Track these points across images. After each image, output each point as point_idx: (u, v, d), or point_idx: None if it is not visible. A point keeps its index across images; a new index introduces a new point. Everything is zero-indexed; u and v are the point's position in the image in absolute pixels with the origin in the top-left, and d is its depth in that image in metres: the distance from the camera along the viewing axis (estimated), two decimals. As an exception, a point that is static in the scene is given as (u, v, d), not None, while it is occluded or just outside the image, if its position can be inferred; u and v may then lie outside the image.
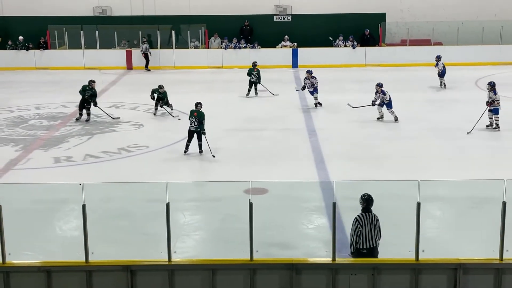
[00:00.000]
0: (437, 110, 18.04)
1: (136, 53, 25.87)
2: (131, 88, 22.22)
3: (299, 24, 26.94)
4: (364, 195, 7.87)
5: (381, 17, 26.81)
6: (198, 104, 13.99)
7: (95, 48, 26.00)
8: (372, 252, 7.80)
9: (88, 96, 16.99)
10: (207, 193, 11.23)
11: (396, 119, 16.39)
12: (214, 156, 13.62)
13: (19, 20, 26.82)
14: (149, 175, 12.70)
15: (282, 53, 25.84)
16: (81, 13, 27.25)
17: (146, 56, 25.33)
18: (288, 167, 13.13)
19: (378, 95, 16.42)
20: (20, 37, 25.93)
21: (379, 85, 16.50)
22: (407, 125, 16.40)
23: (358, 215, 7.81)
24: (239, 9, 27.18)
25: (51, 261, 7.57)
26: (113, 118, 17.12)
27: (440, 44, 26.44)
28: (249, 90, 20.45)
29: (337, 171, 12.72)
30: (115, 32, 26.31)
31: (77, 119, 17.06)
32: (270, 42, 26.04)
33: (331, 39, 26.00)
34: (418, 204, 7.18)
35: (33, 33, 26.04)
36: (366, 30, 26.16)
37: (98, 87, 21.68)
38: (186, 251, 8.95)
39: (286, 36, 26.17)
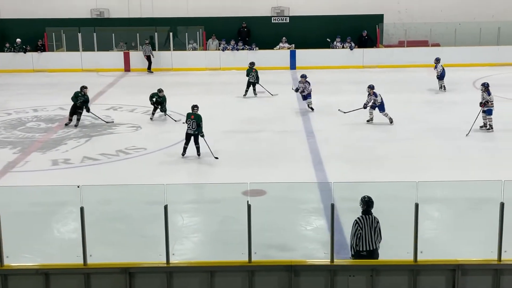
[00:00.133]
0: (435, 111, 18.06)
1: (134, 55, 25.88)
2: (129, 90, 22.21)
3: (296, 25, 26.96)
4: (364, 197, 7.84)
5: (379, 18, 26.84)
6: (195, 107, 13.92)
7: (93, 50, 25.99)
8: (372, 254, 7.78)
9: (81, 102, 16.67)
10: (205, 195, 11.23)
11: (391, 121, 16.29)
12: (217, 158, 13.59)
13: (16, 23, 26.81)
14: (147, 177, 12.69)
15: (280, 54, 25.86)
16: (79, 15, 27.26)
17: (148, 58, 25.29)
18: (286, 168, 13.13)
19: (370, 97, 16.29)
20: (18, 40, 25.92)
21: (371, 87, 16.37)
22: (405, 126, 16.41)
23: (358, 218, 7.78)
24: (237, 10, 27.21)
25: (49, 264, 7.55)
26: (107, 122, 16.93)
27: (437, 45, 26.49)
28: (246, 91, 20.48)
29: (335, 172, 12.72)
30: (113, 34, 26.30)
31: (66, 125, 16.74)
32: (268, 43, 26.06)
33: (329, 40, 26.01)
34: (416, 205, 7.18)
35: (30, 36, 26.03)
36: (363, 32, 26.19)
37: (96, 89, 21.79)
38: (184, 253, 8.95)
39: (284, 38, 26.19)
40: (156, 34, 25.77)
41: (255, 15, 27.24)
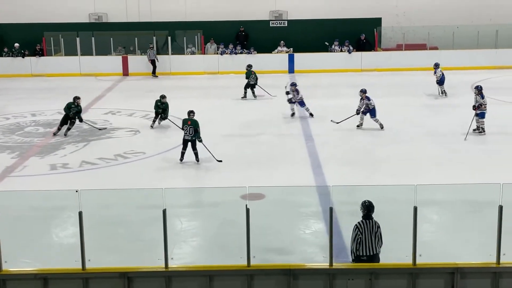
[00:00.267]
0: (433, 115, 18.08)
1: (133, 59, 25.89)
2: (127, 94, 22.22)
3: (295, 29, 26.99)
4: (364, 202, 7.80)
5: (377, 22, 26.88)
6: (191, 113, 13.79)
7: (91, 54, 26.01)
8: (373, 259, 7.74)
9: (73, 114, 16.17)
10: (204, 199, 11.23)
11: (381, 127, 16.05)
12: (220, 161, 13.57)
13: (14, 27, 26.81)
14: (145, 181, 12.68)
15: (278, 58, 25.89)
16: (77, 19, 27.26)
17: (153, 63, 25.27)
18: (285, 172, 13.13)
19: (362, 101, 16.06)
20: (16, 44, 25.93)
21: (363, 91, 16.12)
22: (403, 129, 16.42)
23: (358, 222, 7.75)
24: (235, 14, 27.24)
25: (47, 269, 7.54)
26: (99, 129, 16.62)
27: (435, 48, 26.54)
28: (245, 93, 20.53)
29: (334, 176, 12.72)
30: (111, 39, 26.31)
31: (54, 134, 16.18)
32: (266, 47, 26.07)
33: (327, 44, 26.05)
34: (415, 209, 7.18)
35: (29, 40, 26.03)
36: (361, 35, 26.23)
37: (94, 94, 21.82)
38: (183, 257, 8.93)
39: (282, 42, 26.23)
40: (154, 38, 25.77)
41: (253, 19, 27.27)
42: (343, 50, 25.89)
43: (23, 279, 7.40)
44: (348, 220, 8.17)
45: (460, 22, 26.78)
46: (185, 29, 26.75)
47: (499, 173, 12.51)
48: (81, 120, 16.38)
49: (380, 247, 7.78)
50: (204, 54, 26.42)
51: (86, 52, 25.97)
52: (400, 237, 8.27)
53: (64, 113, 16.38)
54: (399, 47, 26.82)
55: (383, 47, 27.24)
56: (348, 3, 27.56)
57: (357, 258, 7.78)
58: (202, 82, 24.22)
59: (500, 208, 7.13)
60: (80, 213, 7.20)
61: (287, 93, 17.80)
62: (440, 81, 19.96)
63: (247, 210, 7.18)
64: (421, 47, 26.62)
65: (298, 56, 25.72)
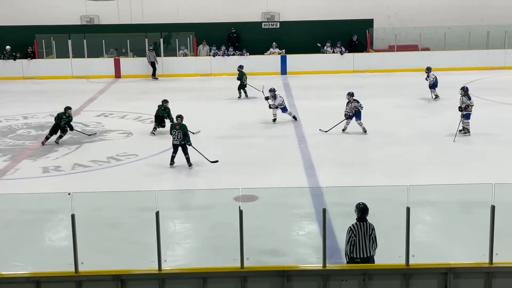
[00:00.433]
0: (425, 115, 18.13)
1: (124, 61, 25.85)
2: (119, 96, 22.17)
3: (287, 30, 27.02)
4: (359, 204, 7.77)
5: (369, 23, 26.94)
6: (179, 117, 13.65)
7: (83, 57, 25.95)
8: (367, 262, 7.70)
9: (64, 124, 15.71)
10: (197, 201, 11.20)
11: (364, 131, 15.80)
12: (217, 161, 13.55)
13: (6, 30, 26.71)
14: (138, 184, 12.65)
15: (270, 60, 25.90)
16: (69, 22, 27.20)
17: (153, 64, 25.19)
18: (278, 173, 13.14)
19: (350, 104, 15.76)
20: (7, 47, 25.83)
21: (351, 94, 15.83)
22: (395, 130, 16.46)
23: (352, 225, 7.73)
24: (227, 16, 27.25)
25: (40, 272, 7.51)
26: (89, 135, 16.33)
27: (427, 49, 26.63)
28: (240, 93, 20.82)
29: (326, 177, 12.73)
30: (103, 41, 26.25)
31: (43, 143, 15.54)
32: (259, 49, 26.08)
33: (319, 45, 26.09)
34: (408, 209, 7.20)
35: (20, 43, 25.95)
36: (354, 36, 26.29)
37: (86, 96, 21.77)
38: (176, 259, 8.91)
39: (274, 43, 26.25)
40: (146, 40, 25.72)
41: (246, 21, 27.29)
42: (335, 52, 25.94)
43: (16, 283, 7.36)
44: (341, 221, 8.18)
45: (452, 23, 26.90)
46: (177, 30, 26.72)
47: (492, 174, 12.56)
48: (72, 129, 15.91)
49: (375, 249, 7.76)
50: (197, 55, 26.41)
51: (78, 54, 25.91)
52: (393, 238, 8.29)
53: (53, 122, 15.90)
54: (391, 48, 26.89)
55: (375, 48, 27.31)
56: (340, 5, 27.63)
57: (351, 261, 7.76)
58: (195, 84, 24.21)
59: (493, 208, 7.16)
60: (73, 216, 7.18)
61: (267, 98, 17.42)
62: (434, 85, 19.84)
63: (240, 212, 7.18)
64: (413, 48, 26.71)
65: (290, 58, 25.75)
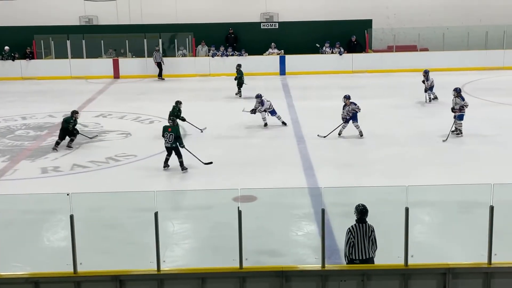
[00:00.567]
0: (423, 116, 18.13)
1: (123, 62, 25.83)
2: (118, 97, 22.16)
3: (286, 31, 27.01)
4: (358, 205, 7.76)
5: (368, 23, 26.95)
6: (170, 120, 13.54)
7: (82, 57, 25.93)
8: (366, 263, 7.69)
9: (72, 127, 15.47)
10: (196, 201, 11.19)
11: (361, 135, 15.64)
12: (211, 163, 13.48)
13: (4, 30, 26.69)
14: (137, 184, 12.65)
15: (269, 60, 25.90)
16: (67, 22, 27.19)
17: (159, 65, 25.14)
18: (276, 174, 13.14)
19: (347, 107, 15.58)
20: (6, 47, 25.81)
21: (347, 97, 15.67)
22: (394, 130, 16.47)
23: (352, 226, 7.72)
24: (226, 17, 27.24)
25: (39, 272, 7.50)
26: (90, 138, 16.16)
27: (426, 50, 26.64)
28: (240, 91, 21.13)
29: (325, 177, 12.74)
30: (102, 41, 26.23)
31: (55, 149, 15.17)
32: (257, 49, 26.08)
33: (318, 46, 26.10)
34: (407, 209, 7.20)
35: (19, 43, 25.92)
36: (352, 37, 26.29)
37: (85, 97, 21.77)
38: (175, 260, 8.91)
39: (273, 44, 26.25)
40: (145, 41, 25.72)
41: (244, 21, 27.29)
42: (334, 52, 25.94)
43: (14, 283, 7.36)
44: (340, 222, 8.18)
45: (450, 23, 26.93)
46: (176, 31, 26.72)
47: (490, 174, 12.58)
48: (77, 133, 15.73)
49: (375, 251, 7.73)
50: (195, 56, 26.40)
51: (77, 55, 25.89)
52: (392, 238, 8.30)
53: (55, 125, 15.92)
54: (389, 49, 26.90)
55: (374, 48, 27.32)
56: (339, 5, 27.64)
57: (350, 262, 7.74)
58: (194, 84, 24.20)
59: (491, 208, 7.16)
60: (72, 216, 7.17)
61: (253, 111, 17.02)
62: (431, 88, 19.73)
63: (239, 212, 7.18)
64: (412, 48, 26.71)
65: (289, 58, 25.75)
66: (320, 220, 7.31)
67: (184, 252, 9.66)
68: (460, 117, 15.47)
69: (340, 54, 25.80)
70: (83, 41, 25.86)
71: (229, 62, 25.17)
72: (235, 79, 21.34)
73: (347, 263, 7.82)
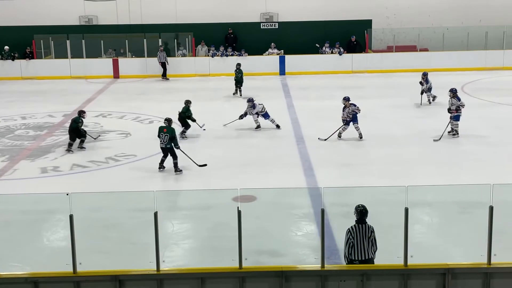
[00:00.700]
0: (423, 116, 18.13)
1: (123, 62, 25.83)
2: (118, 97, 22.16)
3: (285, 31, 27.03)
4: (358, 206, 7.74)
5: (367, 23, 26.96)
6: (166, 121, 13.49)
7: (82, 57, 25.92)
8: (366, 264, 7.71)
9: (80, 126, 15.32)
10: (196, 201, 11.21)
11: (360, 137, 15.51)
12: (205, 165, 13.46)
13: (4, 30, 26.68)
14: (136, 184, 12.65)
15: (269, 60, 25.89)
16: (67, 22, 27.18)
17: (163, 65, 25.11)
18: (276, 174, 13.14)
19: (347, 109, 15.47)
20: (6, 47, 25.81)
21: (346, 99, 15.57)
22: (394, 131, 16.47)
23: (351, 226, 7.71)
24: (226, 17, 27.25)
25: (38, 272, 7.51)
26: (94, 138, 16.01)
27: (426, 50, 26.65)
28: (240, 90, 21.23)
29: (325, 177, 12.74)
30: (102, 41, 26.23)
31: (69, 150, 15.03)
32: (257, 49, 26.09)
33: (318, 46, 26.10)
34: (406, 210, 7.20)
35: (18, 43, 25.92)
36: (352, 37, 26.28)
37: (85, 96, 21.77)
38: (174, 260, 8.92)
39: (273, 44, 26.25)
40: (145, 40, 25.72)
41: (244, 21, 27.29)
42: (333, 52, 25.94)
43: (14, 283, 7.35)
44: (340, 222, 8.17)
45: (450, 23, 26.94)
46: (176, 31, 26.73)
47: (490, 174, 12.59)
48: (85, 132, 15.62)
49: (375, 252, 7.71)
50: (195, 56, 26.40)
51: (76, 54, 25.88)
52: (391, 238, 8.30)
53: (68, 130, 15.48)
54: (389, 49, 26.91)
55: (374, 48, 27.32)
56: (338, 5, 27.62)
57: (350, 263, 7.71)
58: (193, 84, 24.20)
59: (491, 208, 7.16)
60: (71, 216, 7.17)
61: (241, 117, 16.85)
62: (429, 89, 19.65)
63: (239, 212, 7.18)
64: (412, 48, 26.73)
65: (289, 58, 25.75)
66: (320, 220, 7.31)
67: (184, 252, 9.66)
68: (456, 118, 15.47)
69: (340, 54, 25.81)
70: (83, 41, 25.85)
71: (229, 62, 25.16)
72: (237, 78, 21.37)
73: (346, 264, 7.82)
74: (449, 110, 15.51)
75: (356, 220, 7.73)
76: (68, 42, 25.77)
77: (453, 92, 15.64)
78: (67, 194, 7.14)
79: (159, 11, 27.46)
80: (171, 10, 27.45)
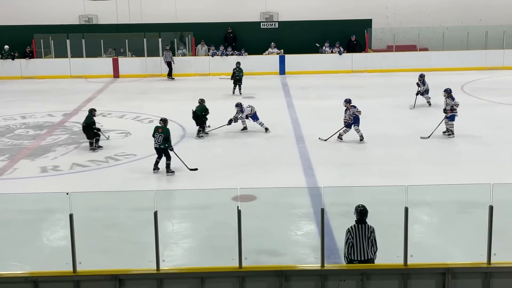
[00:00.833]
0: (422, 116, 18.12)
1: (123, 61, 25.82)
2: (118, 96, 22.15)
3: (285, 31, 27.03)
4: (358, 206, 7.73)
5: (367, 23, 26.95)
6: (161, 121, 13.43)
7: (81, 56, 25.91)
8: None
9: (93, 124, 15.23)
10: (195, 200, 11.21)
11: (361, 139, 15.36)
12: (196, 169, 13.33)
13: (4, 29, 26.67)
14: (136, 184, 12.65)
15: (269, 60, 25.89)
16: (67, 21, 27.18)
17: (169, 64, 25.06)
18: (276, 173, 13.14)
19: (349, 111, 15.34)
20: (6, 46, 25.79)
21: (348, 101, 15.41)
22: (394, 130, 16.47)
23: (351, 226, 7.70)
24: (226, 16, 27.24)
25: (38, 272, 7.51)
26: (107, 138, 15.86)
27: (425, 49, 26.65)
28: (240, 88, 21.38)
29: (325, 177, 12.74)
30: (102, 41, 26.22)
31: (94, 149, 15.00)
32: (257, 49, 26.08)
33: (318, 45, 26.09)
34: (406, 209, 7.20)
35: (18, 42, 25.89)
36: (352, 36, 26.28)
37: (85, 96, 21.77)
38: (174, 259, 8.92)
39: (272, 43, 26.24)
40: (145, 40, 25.71)
41: (244, 21, 27.29)
42: (333, 52, 25.94)
43: (14, 282, 7.35)
44: (340, 221, 8.17)
45: (450, 23, 26.93)
46: (176, 30, 26.73)
47: (490, 174, 12.58)
48: (99, 130, 15.49)
49: (375, 252, 7.70)
50: (195, 55, 26.40)
51: (76, 54, 25.87)
52: (391, 238, 8.30)
53: (82, 128, 15.50)
54: (389, 48, 26.90)
55: (374, 48, 27.32)
56: (338, 5, 27.63)
57: (349, 263, 7.70)
58: (193, 84, 24.19)
59: (491, 208, 7.16)
60: (71, 216, 7.17)
61: (230, 122, 16.60)
62: (426, 91, 19.54)
63: (239, 212, 7.18)
64: (411, 48, 26.73)
65: (289, 58, 25.75)
66: (320, 219, 7.31)
67: (184, 251, 9.66)
68: (451, 118, 15.47)
69: (340, 54, 25.80)
70: (83, 40, 25.84)
71: (229, 62, 25.13)
72: (237, 77, 21.39)
73: (346, 264, 7.82)
74: (445, 110, 15.51)
75: (356, 220, 7.72)
76: (68, 41, 25.75)
77: (448, 92, 15.64)
78: (67, 194, 7.15)
79: (159, 11, 27.46)
80: (171, 10, 27.44)
